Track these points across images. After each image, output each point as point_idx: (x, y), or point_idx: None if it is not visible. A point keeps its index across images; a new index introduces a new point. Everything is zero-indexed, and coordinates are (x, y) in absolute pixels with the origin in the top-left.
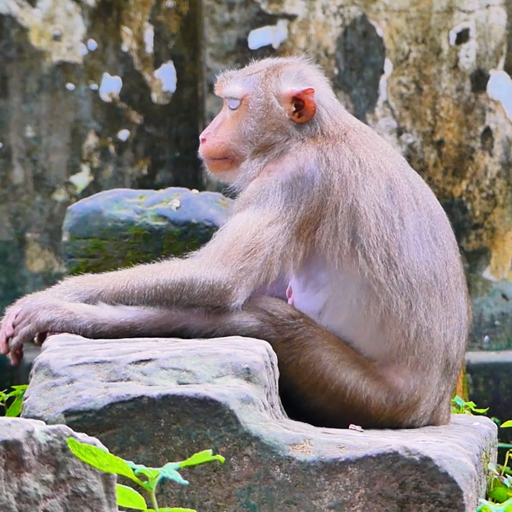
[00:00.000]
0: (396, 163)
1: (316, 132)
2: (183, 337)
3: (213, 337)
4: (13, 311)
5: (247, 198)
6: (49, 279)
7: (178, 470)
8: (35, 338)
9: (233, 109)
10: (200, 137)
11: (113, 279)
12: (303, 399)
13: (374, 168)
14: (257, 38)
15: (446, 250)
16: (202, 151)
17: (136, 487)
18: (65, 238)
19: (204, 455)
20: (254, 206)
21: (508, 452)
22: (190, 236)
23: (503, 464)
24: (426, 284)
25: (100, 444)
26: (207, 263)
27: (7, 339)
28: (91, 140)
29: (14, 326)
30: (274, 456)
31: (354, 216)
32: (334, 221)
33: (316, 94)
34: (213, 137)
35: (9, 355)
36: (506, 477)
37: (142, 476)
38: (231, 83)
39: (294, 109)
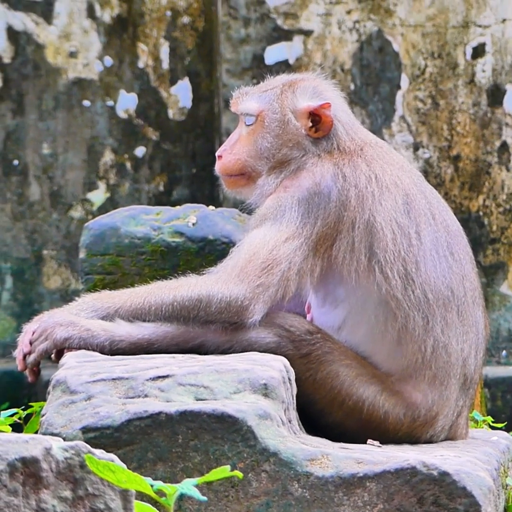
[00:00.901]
0: (412, 178)
1: (332, 147)
2: (200, 353)
3: (230, 353)
4: (30, 328)
5: (263, 214)
6: (66, 296)
7: (196, 486)
8: (53, 355)
9: (249, 125)
10: (217, 154)
11: (130, 296)
12: (321, 414)
13: (391, 183)
14: (273, 54)
15: (463, 265)
16: (218, 168)
17: (155, 503)
18: (81, 255)
19: (222, 471)
20: (270, 222)
21: None
22: (207, 252)
23: None
24: (443, 299)
25: (118, 461)
26: (224, 280)
27: (24, 356)
28: (108, 156)
29: (31, 343)
30: (292, 472)
31: (371, 231)
32: (351, 237)
33: (332, 109)
34: (229, 154)
35: (27, 372)
36: None
37: (160, 493)
38: (246, 100)
39: (310, 124)
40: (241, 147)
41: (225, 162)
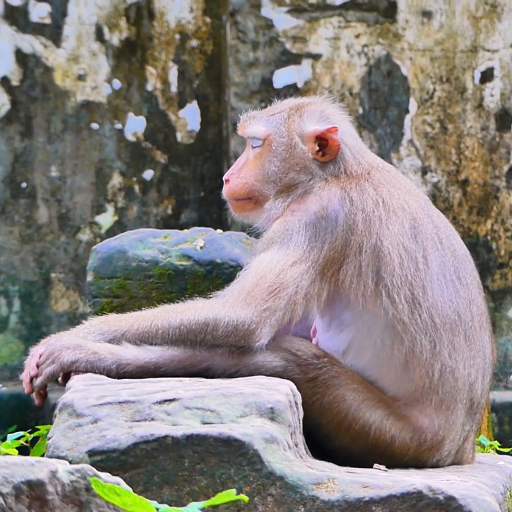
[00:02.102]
0: (419, 203)
1: (339, 171)
2: (207, 377)
3: (237, 377)
4: (37, 351)
5: (271, 238)
6: (73, 319)
7: (202, 509)
8: (60, 378)
9: (256, 149)
10: (224, 178)
11: (137, 319)
12: (327, 438)
13: (398, 207)
14: (282, 77)
15: (470, 289)
16: (225, 191)
17: None
18: (89, 278)
19: (228, 495)
20: (278, 246)
21: None
22: (215, 276)
23: None
24: (450, 324)
25: (124, 484)
26: (231, 303)
27: (31, 379)
28: (116, 179)
29: (38, 366)
30: (298, 496)
31: (378, 255)
32: (358, 261)
33: (339, 133)
34: (236, 178)
35: (34, 395)
36: None
37: None
38: (253, 123)
39: (317, 148)
40: (248, 171)
41: (232, 186)
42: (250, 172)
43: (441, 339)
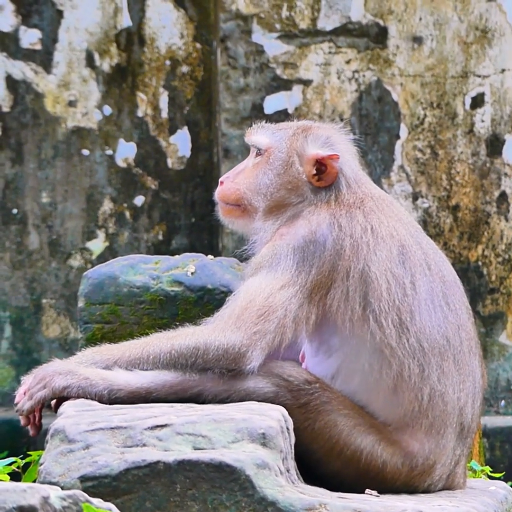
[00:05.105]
0: (409, 230)
1: (330, 198)
2: (198, 403)
3: (229, 402)
4: (28, 379)
5: (259, 262)
6: (65, 345)
7: None
8: (52, 404)
9: (256, 159)
10: (220, 179)
11: (128, 347)
12: (319, 464)
13: (386, 234)
14: (272, 103)
15: (459, 315)
16: (217, 193)
17: None
18: (80, 303)
19: None
20: (266, 270)
21: None
22: (206, 301)
23: None
24: (439, 348)
25: (115, 510)
26: (221, 328)
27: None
28: (107, 205)
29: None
30: None
31: (365, 280)
32: (345, 286)
33: (340, 162)
34: (230, 182)
35: (29, 427)
36: None
37: None
38: (260, 133)
39: (314, 172)
40: (243, 178)
41: (224, 189)
42: (244, 180)
43: (430, 363)
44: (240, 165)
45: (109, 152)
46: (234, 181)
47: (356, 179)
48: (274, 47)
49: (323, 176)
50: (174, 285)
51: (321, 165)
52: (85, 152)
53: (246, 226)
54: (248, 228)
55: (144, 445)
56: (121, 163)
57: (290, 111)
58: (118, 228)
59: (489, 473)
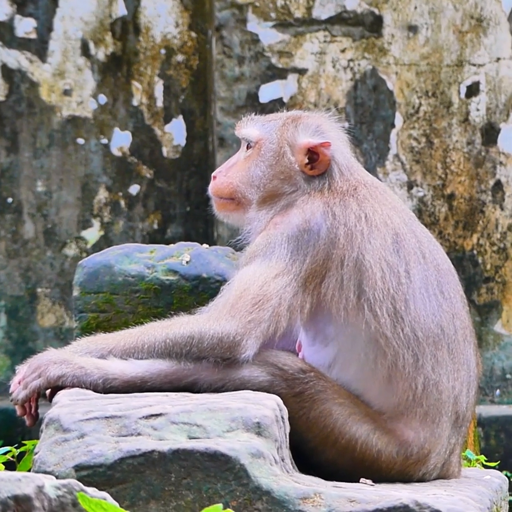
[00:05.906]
0: (403, 218)
1: (323, 187)
2: (193, 392)
3: (224, 391)
4: (23, 369)
5: (253, 251)
6: (60, 334)
7: None
8: (47, 393)
9: (248, 151)
10: (213, 174)
11: (123, 336)
12: (314, 453)
13: (381, 222)
14: (267, 92)
15: (454, 303)
16: (211, 188)
17: None
18: (75, 293)
19: (215, 510)
20: (260, 259)
21: None
22: (201, 290)
23: None
24: (433, 337)
25: (110, 499)
26: (216, 317)
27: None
28: (102, 194)
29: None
30: (285, 510)
31: (359, 269)
32: (339, 274)
33: (332, 149)
34: (223, 176)
35: (25, 417)
36: None
37: None
38: (249, 126)
39: (306, 161)
40: (235, 172)
41: (217, 184)
42: (237, 173)
43: (424, 352)
44: (232, 158)
45: (104, 141)
46: (226, 175)
47: (348, 166)
48: (269, 36)
49: (316, 165)
50: (169, 274)
51: (313, 154)
52: (80, 141)
53: (241, 219)
54: (243, 221)
55: (139, 434)
56: (116, 152)
57: (285, 100)
58: (113, 217)
59: (484, 462)
